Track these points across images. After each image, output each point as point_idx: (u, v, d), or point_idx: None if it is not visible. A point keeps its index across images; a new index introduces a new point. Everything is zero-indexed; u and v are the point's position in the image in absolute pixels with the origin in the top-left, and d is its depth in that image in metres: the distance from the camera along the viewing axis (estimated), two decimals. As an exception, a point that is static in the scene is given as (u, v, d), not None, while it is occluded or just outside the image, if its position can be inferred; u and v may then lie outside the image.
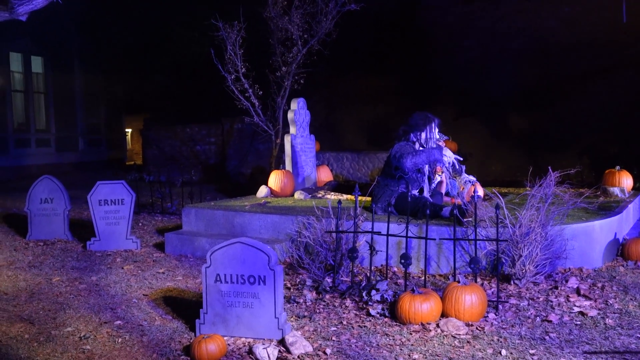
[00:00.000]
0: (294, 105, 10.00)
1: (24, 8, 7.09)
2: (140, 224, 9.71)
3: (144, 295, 6.02)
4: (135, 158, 29.50)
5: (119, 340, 4.81)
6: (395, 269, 6.55)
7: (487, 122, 14.80)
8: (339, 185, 10.43)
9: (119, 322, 5.23)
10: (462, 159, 7.58)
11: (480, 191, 7.89)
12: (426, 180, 7.48)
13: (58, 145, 20.84)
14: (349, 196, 8.87)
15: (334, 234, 6.37)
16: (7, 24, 7.83)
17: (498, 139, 14.62)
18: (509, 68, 14.42)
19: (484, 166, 13.93)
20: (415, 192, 7.29)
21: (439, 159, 7.07)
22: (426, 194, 7.42)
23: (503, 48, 14.65)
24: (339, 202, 6.39)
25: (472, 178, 7.94)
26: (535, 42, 14.31)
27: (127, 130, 28.09)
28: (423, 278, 6.08)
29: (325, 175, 10.78)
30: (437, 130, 7.54)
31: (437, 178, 7.77)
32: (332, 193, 9.36)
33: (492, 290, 5.67)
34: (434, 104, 14.20)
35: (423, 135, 7.42)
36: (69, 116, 21.30)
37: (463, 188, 7.88)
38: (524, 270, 5.84)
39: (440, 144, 7.49)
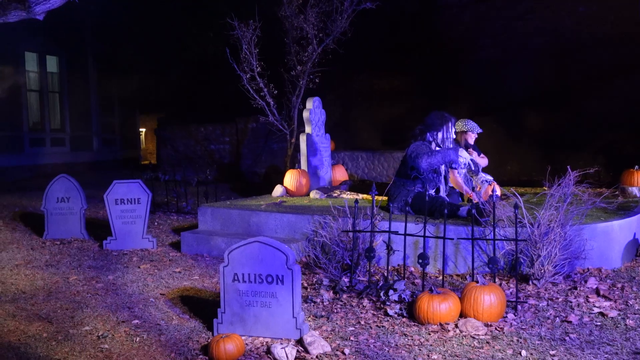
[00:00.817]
0: (309, 104, 9.99)
1: (41, 7, 7.11)
2: (156, 223, 9.73)
3: (161, 294, 6.02)
4: (149, 157, 29.59)
5: (137, 340, 4.81)
6: (412, 269, 6.52)
7: (502, 122, 14.70)
8: (354, 185, 10.40)
9: (136, 321, 5.23)
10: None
11: (498, 191, 7.82)
12: (442, 180, 7.43)
13: (73, 144, 20.95)
14: (364, 195, 8.85)
15: (350, 234, 6.35)
16: (23, 23, 7.85)
17: (514, 139, 14.52)
18: (525, 67, 14.32)
19: (499, 166, 13.84)
20: (432, 191, 7.25)
21: (454, 160, 6.99)
22: (442, 193, 7.38)
23: (519, 47, 14.55)
24: (356, 201, 6.37)
25: (489, 177, 7.89)
26: (551, 40, 14.19)
27: (140, 129, 28.18)
28: (440, 278, 6.05)
29: (340, 174, 10.76)
30: (454, 129, 7.47)
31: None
32: (348, 192, 9.33)
33: (511, 290, 5.63)
34: (449, 103, 14.12)
35: (439, 135, 7.31)
36: (83, 115, 21.40)
37: (480, 188, 7.83)
38: (542, 271, 5.79)
39: (479, 159, 7.39)
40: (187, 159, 17.03)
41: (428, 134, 7.30)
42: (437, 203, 6.76)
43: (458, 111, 9.21)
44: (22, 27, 11.31)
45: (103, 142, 22.42)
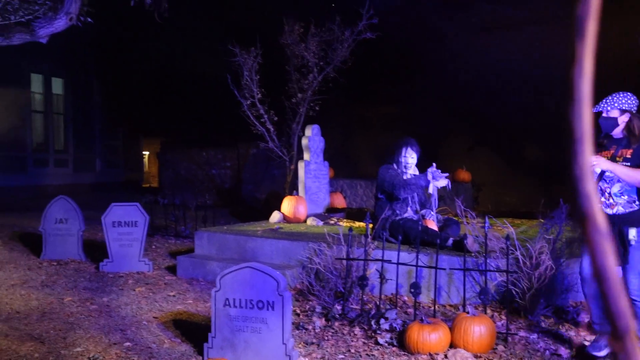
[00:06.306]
0: (308, 131, 10.08)
1: (45, 31, 7.25)
2: (153, 247, 9.76)
3: (154, 317, 6.05)
4: (151, 180, 29.70)
5: (127, 362, 4.83)
6: (406, 298, 6.54)
7: (502, 153, 14.79)
8: (352, 213, 10.44)
9: (128, 343, 5.25)
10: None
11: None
12: (416, 200, 7.43)
13: (76, 165, 21.07)
14: (361, 223, 8.88)
15: (344, 261, 6.38)
16: (28, 45, 7.99)
17: (513, 170, 14.59)
18: (525, 98, 14.44)
19: (498, 197, 13.90)
20: (407, 214, 7.26)
21: (425, 185, 7.11)
22: (413, 214, 7.33)
23: (519, 78, 14.69)
24: (350, 229, 6.41)
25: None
26: (551, 72, 14.32)
27: (144, 152, 28.34)
28: (433, 308, 6.06)
29: (338, 202, 10.81)
30: (411, 153, 7.51)
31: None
32: (345, 220, 9.37)
33: (502, 322, 5.64)
34: (449, 133, 14.21)
35: (395, 157, 7.56)
36: (87, 137, 21.56)
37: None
38: (534, 303, 5.81)
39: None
40: (189, 183, 17.11)
41: (390, 157, 7.62)
42: (415, 230, 6.77)
43: (457, 141, 9.28)
44: (28, 49, 11.47)
45: (106, 164, 22.54)
